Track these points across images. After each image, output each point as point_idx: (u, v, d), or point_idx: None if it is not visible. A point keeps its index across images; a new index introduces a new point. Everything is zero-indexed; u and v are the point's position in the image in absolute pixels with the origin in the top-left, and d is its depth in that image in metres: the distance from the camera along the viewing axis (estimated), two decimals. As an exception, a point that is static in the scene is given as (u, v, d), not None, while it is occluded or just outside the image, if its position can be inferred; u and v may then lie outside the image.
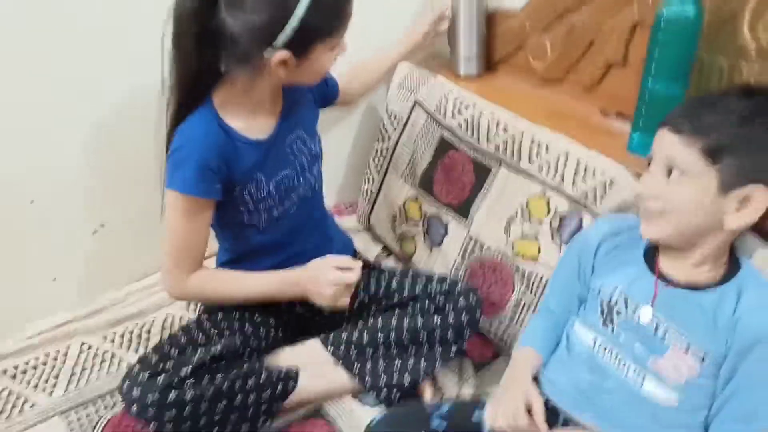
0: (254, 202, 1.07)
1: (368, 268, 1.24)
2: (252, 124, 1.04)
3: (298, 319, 1.19)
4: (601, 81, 1.29)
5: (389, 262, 1.43)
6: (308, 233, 1.17)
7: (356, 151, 1.58)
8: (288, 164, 1.09)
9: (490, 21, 1.44)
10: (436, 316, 1.08)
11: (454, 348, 1.09)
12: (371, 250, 1.45)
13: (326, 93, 1.22)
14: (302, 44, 0.94)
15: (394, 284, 1.17)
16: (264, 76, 0.98)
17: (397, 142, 1.41)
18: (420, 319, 1.08)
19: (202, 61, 0.96)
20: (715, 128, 0.81)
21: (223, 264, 1.18)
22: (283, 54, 0.93)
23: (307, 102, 1.15)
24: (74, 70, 1.15)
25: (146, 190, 1.29)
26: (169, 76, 0.99)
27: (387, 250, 1.47)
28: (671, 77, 1.06)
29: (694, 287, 0.88)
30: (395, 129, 1.41)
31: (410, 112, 1.38)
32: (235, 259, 1.16)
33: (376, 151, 1.46)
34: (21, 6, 1.07)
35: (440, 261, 1.31)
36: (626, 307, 0.92)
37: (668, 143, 0.84)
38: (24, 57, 1.10)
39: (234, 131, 1.02)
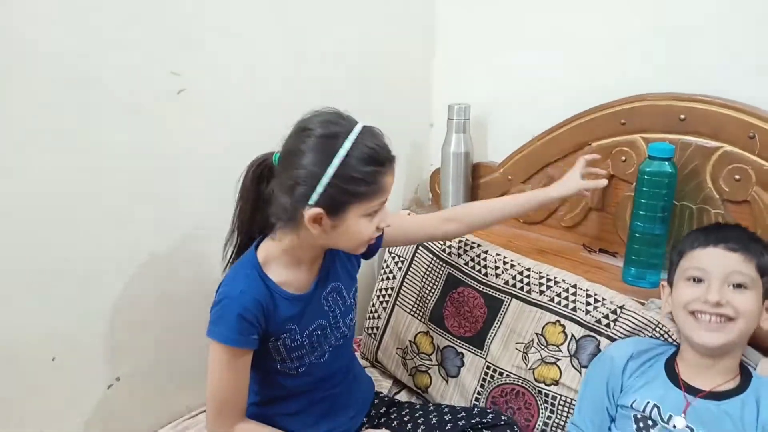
0: (287, 351, 1.10)
1: (397, 405, 1.29)
2: (292, 279, 1.08)
3: None
4: (581, 223, 1.50)
5: (402, 396, 1.48)
6: (338, 378, 1.20)
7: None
8: (322, 315, 1.13)
9: (475, 172, 1.64)
10: None
11: None
12: (383, 386, 1.49)
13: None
14: (335, 204, 0.99)
15: (433, 420, 1.21)
16: (303, 233, 1.03)
17: (402, 281, 1.52)
18: None
19: (259, 218, 1.08)
20: (758, 250, 1.03)
21: (251, 405, 1.16)
22: (316, 211, 0.98)
23: (345, 257, 1.18)
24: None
25: (158, 343, 1.33)
26: (232, 229, 1.10)
27: (398, 384, 1.52)
28: (654, 220, 1.27)
29: (717, 397, 1.03)
30: (400, 269, 1.53)
31: (414, 254, 1.51)
32: (263, 401, 1.16)
33: (381, 290, 1.55)
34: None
35: (459, 391, 1.38)
36: (661, 417, 1.04)
37: (728, 260, 1.02)
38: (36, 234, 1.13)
39: (274, 285, 1.06)
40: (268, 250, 1.08)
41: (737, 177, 1.22)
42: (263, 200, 1.06)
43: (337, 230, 1.02)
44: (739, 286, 1.02)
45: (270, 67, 1.38)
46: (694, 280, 1.05)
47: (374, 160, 0.99)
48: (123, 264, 1.25)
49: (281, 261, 1.08)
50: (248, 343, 1.04)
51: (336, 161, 0.96)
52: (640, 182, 1.27)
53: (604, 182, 1.34)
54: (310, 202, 0.98)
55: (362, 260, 1.23)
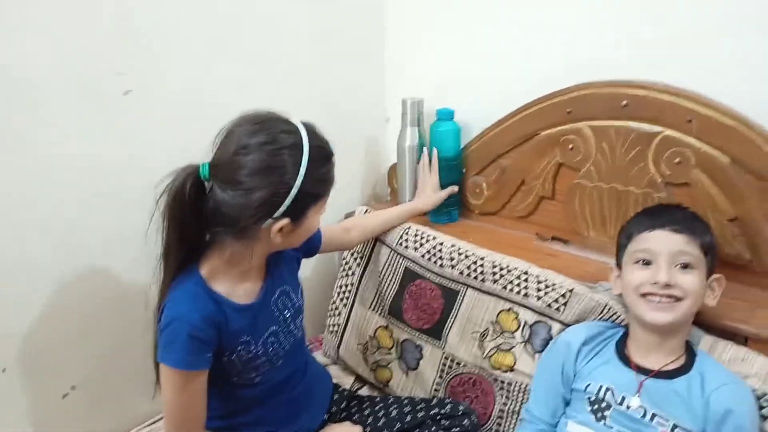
0: (243, 363, 1.08)
1: (357, 399, 1.30)
2: (239, 289, 1.06)
3: None
4: (534, 212, 1.52)
5: (364, 392, 1.49)
6: (295, 381, 1.19)
7: (316, 289, 1.66)
8: (273, 321, 1.12)
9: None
10: None
11: None
12: (344, 382, 1.50)
13: (311, 243, 1.23)
14: (299, 210, 0.99)
15: (393, 413, 1.22)
16: (258, 244, 1.01)
17: (361, 277, 1.53)
18: None
19: (193, 234, 1.02)
20: (701, 230, 1.07)
21: (212, 419, 1.12)
22: (283, 222, 0.98)
23: (289, 257, 1.18)
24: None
25: (114, 347, 1.32)
26: (163, 249, 1.02)
27: (360, 380, 1.53)
28: (449, 169, 1.56)
29: (667, 376, 1.06)
30: (359, 265, 1.54)
31: (372, 249, 1.52)
32: (224, 414, 1.14)
33: (341, 287, 1.56)
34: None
35: (418, 383, 1.40)
36: (614, 399, 1.07)
37: (673, 241, 1.05)
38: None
39: (223, 298, 1.04)
40: (211, 264, 1.04)
41: (677, 160, 1.25)
42: (201, 216, 0.99)
43: (296, 233, 1.02)
44: (685, 266, 1.05)
45: (217, 67, 1.37)
46: (642, 262, 1.08)
47: (327, 158, 1.00)
48: (69, 270, 1.23)
49: (227, 273, 1.05)
50: (202, 364, 1.01)
51: (302, 171, 0.95)
52: (432, 138, 1.56)
53: (455, 188, 1.57)
54: (276, 215, 0.97)
55: (308, 257, 1.26)
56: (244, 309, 1.06)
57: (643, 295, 1.06)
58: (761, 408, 1.02)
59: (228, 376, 1.08)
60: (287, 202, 0.96)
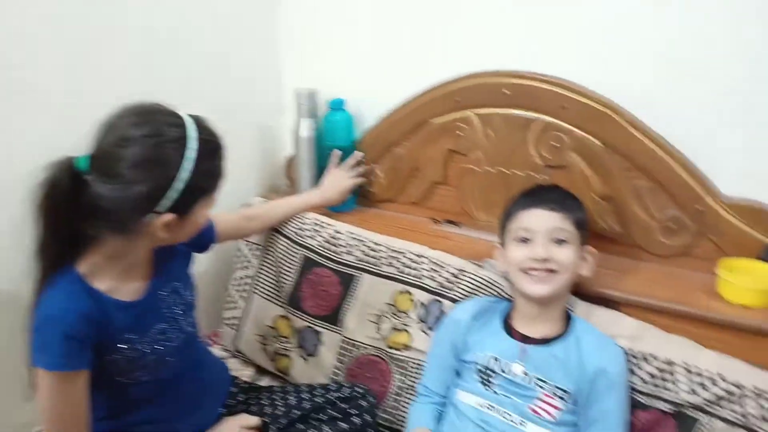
0: (127, 362, 1.03)
1: (256, 390, 1.29)
2: (122, 286, 1.02)
3: None
4: (428, 197, 1.58)
5: (264, 382, 1.48)
6: (188, 377, 1.15)
7: (212, 283, 1.64)
8: (161, 319, 1.08)
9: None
10: (341, 423, 1.15)
11: None
12: (244, 375, 1.48)
13: (202, 239, 1.21)
14: (185, 205, 0.96)
15: (291, 400, 1.22)
16: (141, 239, 0.98)
17: (259, 268, 1.52)
18: (327, 428, 1.14)
19: (69, 229, 0.95)
20: (573, 207, 1.15)
21: (99, 420, 1.07)
22: (168, 217, 0.94)
23: (179, 252, 1.15)
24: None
25: None
26: (35, 245, 0.96)
27: (260, 371, 1.52)
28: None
29: (546, 342, 1.13)
30: (256, 256, 1.53)
31: (268, 239, 1.52)
32: (112, 415, 1.09)
33: (238, 279, 1.55)
34: None
35: (318, 369, 1.41)
36: (500, 367, 1.13)
37: (549, 219, 1.12)
38: None
39: (103, 296, 0.99)
40: (91, 260, 0.99)
41: (555, 144, 1.34)
42: (78, 210, 0.94)
43: (183, 228, 0.99)
44: (560, 241, 1.12)
45: (97, 54, 1.32)
46: (522, 240, 1.15)
47: (215, 152, 0.98)
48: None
49: (109, 269, 1.00)
50: (81, 364, 0.96)
51: (187, 165, 0.93)
52: (325, 128, 1.61)
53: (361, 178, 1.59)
54: (160, 209, 0.93)
55: (201, 252, 1.23)
56: (129, 306, 1.02)
57: (524, 270, 1.13)
58: (629, 364, 1.11)
59: (111, 376, 1.03)
60: (171, 196, 0.93)
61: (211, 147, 0.97)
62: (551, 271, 1.11)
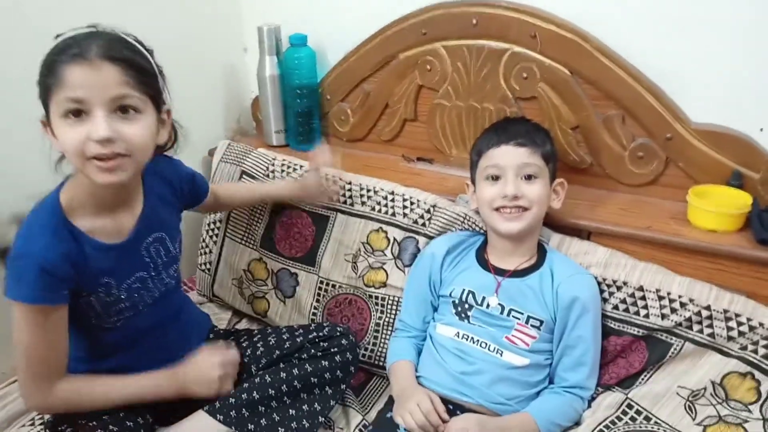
0: (103, 306, 1.02)
1: (234, 335, 1.29)
2: (105, 226, 1.00)
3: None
4: (399, 134, 1.56)
5: (243, 325, 1.49)
6: (166, 327, 1.14)
7: (185, 229, 1.61)
8: (142, 267, 1.06)
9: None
10: (323, 361, 1.15)
11: (343, 386, 1.18)
12: (222, 318, 1.49)
13: (193, 191, 1.21)
14: (45, 107, 0.92)
15: (272, 341, 1.22)
16: None
17: (229, 212, 1.50)
18: (308, 366, 1.14)
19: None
20: (541, 141, 1.14)
21: (76, 360, 1.07)
22: (42, 119, 0.93)
23: (170, 203, 1.14)
24: None
25: None
26: None
27: (238, 315, 1.52)
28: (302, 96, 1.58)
29: (521, 274, 1.15)
30: (226, 199, 1.50)
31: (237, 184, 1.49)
32: (88, 357, 1.08)
33: (209, 224, 1.52)
34: None
35: (296, 310, 1.42)
36: (476, 301, 1.15)
37: (517, 155, 1.12)
38: None
39: (83, 235, 0.97)
40: (71, 192, 0.97)
41: (525, 75, 1.32)
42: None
43: (58, 142, 0.93)
44: (529, 177, 1.12)
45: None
46: (492, 178, 1.15)
47: (60, 50, 0.90)
48: None
49: (88, 205, 0.98)
50: (59, 299, 0.95)
51: (44, 59, 0.90)
52: (287, 65, 1.55)
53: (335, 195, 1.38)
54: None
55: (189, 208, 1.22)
56: (109, 249, 1.00)
57: (496, 209, 1.14)
58: (602, 292, 1.14)
59: (86, 318, 1.02)
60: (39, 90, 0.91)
61: (61, 45, 0.92)
62: (522, 208, 1.12)
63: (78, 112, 0.89)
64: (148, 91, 0.94)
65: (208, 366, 1.08)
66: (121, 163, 0.92)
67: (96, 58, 0.88)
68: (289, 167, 1.44)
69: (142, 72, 0.93)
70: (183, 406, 1.14)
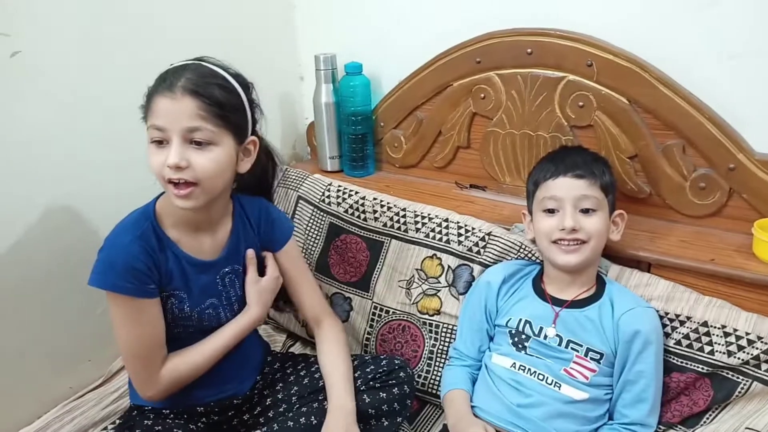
0: (173, 316, 1.07)
1: (292, 359, 1.30)
2: (190, 241, 1.07)
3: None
4: (452, 161, 1.57)
5: (297, 349, 1.51)
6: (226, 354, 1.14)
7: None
8: (215, 293, 1.11)
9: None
10: (380, 393, 1.15)
11: (399, 419, 1.17)
12: (277, 341, 1.52)
13: (268, 233, 1.19)
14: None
15: None
16: None
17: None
18: (366, 397, 1.14)
19: None
20: (600, 172, 1.13)
21: None
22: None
23: (251, 240, 1.16)
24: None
25: (25, 326, 1.26)
26: None
27: (293, 338, 1.55)
28: (356, 123, 1.61)
29: (579, 305, 1.14)
30: (283, 224, 1.54)
31: (295, 207, 1.52)
32: None
33: (266, 247, 1.56)
34: None
35: (350, 334, 1.43)
36: (533, 331, 1.14)
37: (576, 187, 1.11)
38: None
39: (168, 240, 1.05)
40: (165, 202, 1.05)
41: (581, 104, 1.32)
42: None
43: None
44: (588, 210, 1.12)
45: (122, 25, 1.31)
46: (549, 211, 1.14)
47: (158, 82, 0.99)
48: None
49: (174, 218, 1.05)
50: (145, 293, 1.01)
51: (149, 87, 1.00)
52: (343, 93, 1.59)
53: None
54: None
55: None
56: (189, 259, 1.06)
57: (554, 241, 1.13)
58: (664, 326, 1.12)
59: (165, 317, 1.06)
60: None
61: (161, 74, 1.01)
62: (580, 241, 1.11)
63: (161, 139, 0.97)
64: (226, 125, 0.99)
65: (266, 291, 1.16)
66: (193, 190, 0.98)
67: (179, 91, 0.95)
68: (344, 192, 1.47)
69: (220, 106, 0.98)
70: (242, 427, 1.18)
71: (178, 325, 1.09)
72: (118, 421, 1.18)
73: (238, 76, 1.05)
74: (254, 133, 1.09)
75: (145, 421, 1.09)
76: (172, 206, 1.03)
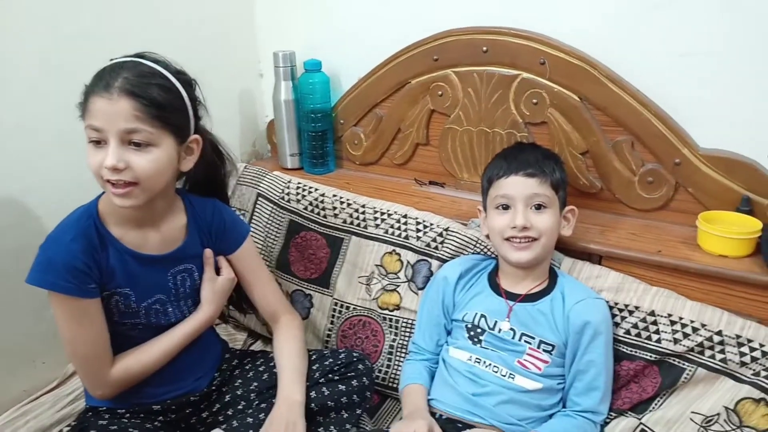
0: (119, 314, 1.06)
1: (251, 356, 1.30)
2: (136, 236, 1.06)
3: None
4: (411, 158, 1.58)
5: (258, 346, 1.50)
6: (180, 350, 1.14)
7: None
8: (164, 290, 1.10)
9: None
10: (339, 385, 1.16)
11: (359, 410, 1.18)
12: (237, 339, 1.51)
13: (220, 239, 1.18)
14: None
15: None
16: None
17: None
18: (325, 389, 1.15)
19: None
20: (551, 169, 1.15)
21: None
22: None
23: (203, 241, 1.15)
24: None
25: None
26: None
27: (253, 336, 1.54)
28: (316, 120, 1.61)
29: (532, 299, 1.16)
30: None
31: (254, 205, 1.52)
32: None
33: (225, 246, 1.55)
34: None
35: (311, 331, 1.43)
36: (488, 325, 1.16)
37: (527, 186, 1.13)
38: None
39: (111, 236, 1.03)
40: (107, 200, 1.03)
41: (534, 101, 1.35)
42: None
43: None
44: (539, 206, 1.14)
45: (72, 24, 1.29)
46: (502, 207, 1.17)
47: (94, 80, 0.97)
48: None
49: (117, 215, 1.04)
50: (86, 293, 0.99)
51: (86, 85, 0.98)
52: (302, 91, 1.59)
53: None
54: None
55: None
56: (134, 255, 1.05)
57: (506, 239, 1.16)
58: (613, 316, 1.15)
59: (110, 314, 1.05)
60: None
61: (97, 72, 0.99)
62: (531, 238, 1.13)
63: (98, 140, 0.95)
64: (165, 125, 0.98)
65: (219, 290, 1.17)
66: (132, 190, 0.97)
67: (116, 92, 0.94)
68: (304, 189, 1.47)
69: (158, 107, 0.96)
70: (200, 425, 1.17)
71: (126, 323, 1.07)
72: (73, 424, 1.16)
73: (179, 74, 1.03)
74: (198, 130, 1.07)
75: (100, 422, 1.07)
76: (112, 203, 1.01)
